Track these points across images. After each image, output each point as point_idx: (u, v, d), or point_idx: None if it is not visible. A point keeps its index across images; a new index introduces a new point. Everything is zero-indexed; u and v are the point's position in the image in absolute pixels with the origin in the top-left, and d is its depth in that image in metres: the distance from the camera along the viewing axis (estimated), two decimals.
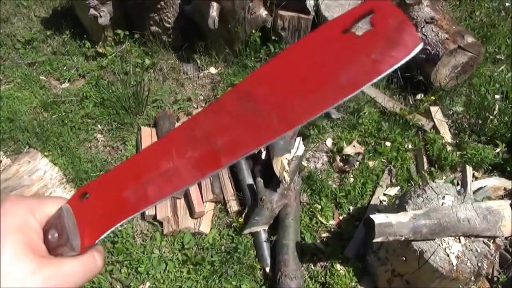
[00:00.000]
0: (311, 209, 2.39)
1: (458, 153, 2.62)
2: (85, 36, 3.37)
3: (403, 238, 1.68)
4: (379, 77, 0.34)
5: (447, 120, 2.86)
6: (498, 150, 2.61)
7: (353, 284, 2.11)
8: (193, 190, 2.35)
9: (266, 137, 0.39)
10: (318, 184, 2.46)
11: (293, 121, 0.38)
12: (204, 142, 0.41)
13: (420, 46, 0.34)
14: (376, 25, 0.34)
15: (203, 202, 2.34)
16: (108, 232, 0.45)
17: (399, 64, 0.34)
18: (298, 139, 2.46)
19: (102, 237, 0.45)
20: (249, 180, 2.38)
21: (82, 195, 0.46)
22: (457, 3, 3.75)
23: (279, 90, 0.38)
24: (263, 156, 2.39)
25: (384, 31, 0.34)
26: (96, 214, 0.45)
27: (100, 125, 2.90)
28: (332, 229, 2.35)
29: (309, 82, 0.37)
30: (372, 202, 2.44)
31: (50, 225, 0.46)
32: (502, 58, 3.26)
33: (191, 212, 2.32)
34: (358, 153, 2.65)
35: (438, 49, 2.76)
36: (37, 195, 1.96)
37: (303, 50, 0.38)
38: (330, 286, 2.10)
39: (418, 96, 3.00)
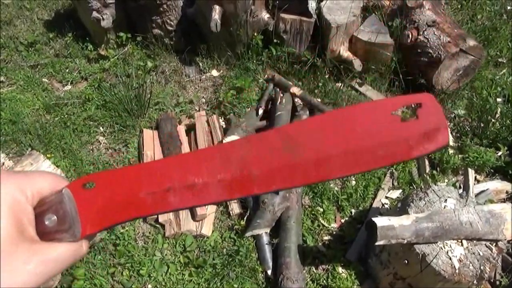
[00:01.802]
0: (313, 212, 2.39)
1: (460, 156, 2.62)
2: (87, 38, 3.39)
3: (405, 241, 1.68)
4: (408, 159, 0.41)
5: (449, 123, 2.86)
6: (500, 153, 2.60)
7: (355, 287, 2.11)
8: None
9: (299, 179, 0.42)
10: (320, 187, 2.46)
11: (327, 174, 0.42)
12: (239, 167, 0.43)
13: (447, 145, 0.40)
14: (420, 118, 0.41)
15: (204, 205, 2.34)
16: (115, 225, 0.45)
17: (427, 154, 0.41)
18: None
19: (107, 228, 0.45)
20: None
21: (86, 183, 0.46)
22: (459, 6, 3.76)
23: (323, 143, 0.42)
24: None
25: (424, 126, 0.40)
26: (103, 205, 0.45)
27: (102, 128, 2.90)
28: (334, 232, 2.34)
29: (351, 145, 0.41)
30: (374, 205, 2.44)
31: (47, 208, 0.44)
32: (504, 61, 3.26)
33: (193, 215, 2.32)
34: None
35: (440, 52, 2.76)
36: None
37: (354, 116, 0.42)
38: None
39: None
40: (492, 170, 2.60)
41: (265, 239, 2.22)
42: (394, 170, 2.61)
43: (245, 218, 2.31)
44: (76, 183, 0.46)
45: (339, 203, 2.44)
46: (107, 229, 0.46)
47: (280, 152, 0.42)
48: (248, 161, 0.43)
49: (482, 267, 1.68)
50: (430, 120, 0.40)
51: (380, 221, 1.66)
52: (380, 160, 0.41)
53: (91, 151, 2.77)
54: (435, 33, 2.83)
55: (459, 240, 1.74)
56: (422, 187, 2.21)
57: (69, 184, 0.46)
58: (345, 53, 3.01)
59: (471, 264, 1.69)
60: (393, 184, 2.58)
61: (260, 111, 2.72)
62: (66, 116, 2.94)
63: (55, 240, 0.44)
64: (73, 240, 0.44)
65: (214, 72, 3.22)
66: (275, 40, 3.08)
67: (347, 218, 2.41)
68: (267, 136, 0.43)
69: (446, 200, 1.85)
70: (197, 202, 0.44)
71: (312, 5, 2.91)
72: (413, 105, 0.41)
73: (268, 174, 0.42)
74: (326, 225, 2.36)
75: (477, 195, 2.41)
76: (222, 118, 2.86)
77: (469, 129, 2.80)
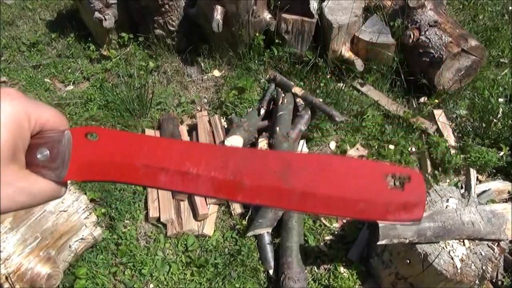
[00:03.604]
0: None
1: (461, 156, 2.62)
2: (89, 39, 3.40)
3: (407, 241, 1.68)
4: (380, 220, 0.46)
5: (450, 123, 2.86)
6: (502, 153, 2.60)
7: (356, 287, 2.11)
8: None
9: (282, 203, 0.46)
10: None
11: (308, 208, 0.46)
12: (234, 172, 0.46)
13: (419, 220, 0.45)
14: (405, 190, 0.45)
15: (206, 205, 2.35)
16: (99, 181, 0.47)
17: (398, 221, 0.45)
18: (302, 141, 2.46)
19: (90, 181, 0.47)
20: None
21: (88, 133, 0.47)
22: (461, 6, 3.76)
23: (315, 181, 0.46)
24: None
25: (406, 199, 0.45)
26: (97, 159, 0.46)
27: (104, 128, 2.91)
28: (336, 232, 2.34)
29: (338, 192, 0.45)
30: None
31: (44, 142, 0.45)
32: (506, 61, 3.26)
33: (195, 214, 2.32)
34: (362, 156, 2.65)
35: (441, 52, 2.76)
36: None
37: (351, 167, 0.46)
38: None
39: (422, 99, 3.00)
40: (494, 170, 2.60)
41: (267, 238, 2.22)
42: None
43: (246, 218, 2.31)
44: (80, 130, 0.47)
45: None
46: (89, 182, 0.47)
47: (275, 174, 0.46)
48: (244, 171, 0.46)
49: (484, 267, 1.68)
50: (413, 195, 0.45)
51: None
52: (357, 213, 0.45)
53: None
54: (437, 33, 2.83)
55: (461, 240, 1.74)
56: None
57: (73, 129, 0.47)
58: (347, 53, 3.01)
59: (473, 264, 1.69)
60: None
61: (262, 111, 2.72)
62: (68, 116, 2.95)
63: (39, 175, 0.44)
64: (56, 180, 0.45)
65: (216, 72, 3.22)
66: (276, 40, 3.08)
67: (348, 218, 2.41)
68: (270, 157, 0.47)
69: (448, 200, 1.85)
70: (183, 189, 0.46)
71: (313, 5, 2.91)
72: (403, 177, 0.45)
73: (256, 188, 0.45)
74: (328, 224, 2.36)
75: (479, 195, 2.41)
76: (224, 118, 2.86)
77: (471, 129, 2.79)
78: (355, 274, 2.13)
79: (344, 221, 2.40)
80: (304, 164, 0.46)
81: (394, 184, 0.45)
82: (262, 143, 2.47)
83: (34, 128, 0.44)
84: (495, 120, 2.73)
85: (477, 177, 2.54)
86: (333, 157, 0.50)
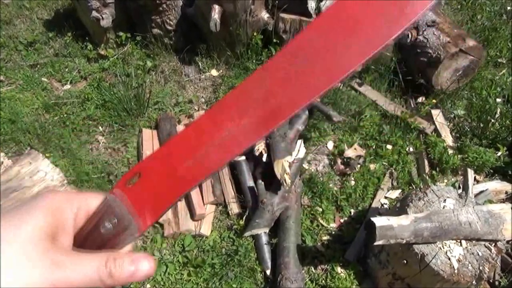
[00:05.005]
0: (312, 212, 2.39)
1: (459, 156, 2.62)
2: (87, 38, 3.39)
3: (404, 241, 1.67)
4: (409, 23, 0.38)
5: (448, 123, 2.86)
6: (499, 153, 2.60)
7: (353, 287, 2.11)
8: (194, 192, 2.35)
9: (324, 83, 0.41)
10: (319, 187, 2.46)
11: (349, 64, 0.40)
12: (264, 97, 0.42)
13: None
14: None
15: (204, 204, 2.34)
16: (166, 210, 0.46)
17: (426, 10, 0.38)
18: (300, 141, 2.46)
19: (162, 214, 0.46)
20: (250, 183, 2.38)
21: (128, 180, 0.46)
22: (459, 6, 3.76)
23: (326, 45, 0.40)
24: (264, 159, 2.39)
25: None
26: (150, 194, 0.46)
27: (102, 127, 2.90)
28: (333, 232, 2.34)
29: (352, 34, 0.40)
30: (373, 205, 2.44)
31: (98, 218, 0.45)
32: (504, 61, 3.26)
33: (192, 214, 2.32)
34: (359, 156, 2.65)
35: (439, 52, 2.76)
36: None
37: (341, 12, 0.41)
38: None
39: (420, 99, 3.00)
40: (491, 171, 2.60)
41: (264, 239, 2.22)
42: (393, 170, 2.61)
43: (244, 218, 2.31)
44: (119, 184, 0.46)
45: (338, 203, 2.44)
46: (162, 216, 0.47)
47: (291, 71, 0.42)
48: (270, 88, 0.42)
49: (481, 267, 1.68)
50: None
51: (379, 221, 1.66)
52: (389, 31, 0.39)
53: (90, 151, 2.77)
54: (435, 33, 2.83)
55: (458, 240, 1.73)
56: (421, 187, 2.21)
57: (111, 189, 0.46)
58: None
59: (470, 264, 1.69)
60: (392, 184, 2.57)
61: None
62: (65, 115, 2.94)
63: (119, 245, 0.45)
64: (134, 237, 0.45)
65: (214, 72, 3.22)
66: (274, 40, 3.08)
67: (346, 218, 2.41)
68: (275, 60, 0.43)
69: (445, 200, 1.85)
70: (238, 149, 0.44)
71: (311, 5, 2.90)
72: None
73: (291, 93, 0.42)
74: (325, 225, 2.35)
75: (476, 195, 2.41)
76: None
77: (468, 129, 2.79)
78: (352, 275, 2.13)
79: (342, 221, 2.40)
80: (308, 42, 0.41)
81: None
82: (259, 144, 2.47)
83: (78, 214, 0.44)
84: (492, 120, 2.73)
85: (474, 177, 2.54)
86: (324, 14, 0.42)
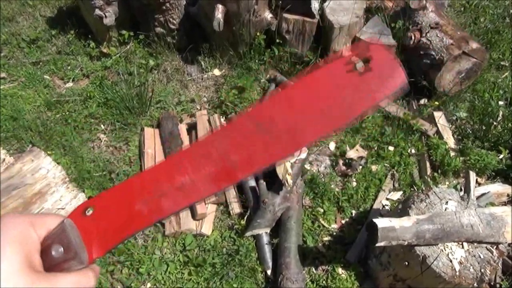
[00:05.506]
0: (314, 213, 2.38)
1: (461, 158, 2.61)
2: (90, 36, 3.38)
3: (406, 243, 1.67)
4: (375, 104, 0.44)
5: (450, 126, 2.85)
6: (501, 156, 2.60)
7: None
8: None
9: (279, 154, 0.44)
10: (320, 188, 2.46)
11: (303, 139, 0.44)
12: (220, 158, 0.45)
13: (405, 82, 0.43)
14: (373, 69, 0.43)
15: (205, 204, 2.34)
16: (119, 243, 0.47)
17: (389, 95, 0.43)
18: None
19: (111, 249, 0.47)
20: (252, 183, 2.38)
21: (85, 210, 0.47)
22: (462, 9, 3.76)
23: (292, 112, 0.44)
24: None
25: (379, 74, 0.43)
26: (104, 226, 0.47)
27: (103, 125, 2.90)
28: (334, 233, 2.34)
29: (319, 106, 0.44)
30: (374, 207, 2.44)
31: (52, 240, 0.46)
32: (506, 64, 3.26)
33: (193, 214, 2.32)
34: (361, 157, 2.65)
35: (442, 54, 2.76)
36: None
37: (314, 82, 0.45)
38: None
39: (422, 101, 3.00)
40: (493, 173, 2.59)
41: (265, 239, 2.22)
42: (395, 172, 2.61)
43: (245, 218, 2.31)
44: (76, 211, 0.47)
45: (340, 204, 2.44)
46: (112, 250, 0.47)
47: (257, 135, 0.44)
48: (227, 149, 0.45)
49: (482, 270, 1.68)
50: (383, 67, 0.43)
51: (381, 222, 1.66)
52: (349, 112, 0.43)
53: (92, 149, 2.77)
54: (438, 35, 2.83)
55: (460, 243, 1.73)
56: (423, 189, 2.21)
57: (69, 214, 0.47)
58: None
59: (471, 267, 1.69)
60: (394, 185, 2.57)
61: None
62: (67, 113, 2.94)
63: (64, 270, 0.45)
64: (81, 267, 0.45)
65: (216, 71, 3.22)
66: (277, 40, 3.08)
67: (347, 219, 2.41)
68: (239, 123, 0.46)
69: (447, 202, 1.85)
70: (189, 201, 0.46)
71: (315, 5, 2.90)
72: (363, 59, 0.43)
73: (248, 157, 0.44)
74: (327, 225, 2.35)
75: (478, 197, 2.40)
76: (224, 118, 2.86)
77: (470, 131, 2.79)
78: (353, 276, 2.13)
79: (343, 222, 2.40)
80: (274, 108, 0.45)
81: (361, 70, 0.43)
82: None
83: (40, 235, 0.46)
84: (495, 123, 2.73)
85: (476, 179, 2.54)
86: (291, 86, 0.46)
